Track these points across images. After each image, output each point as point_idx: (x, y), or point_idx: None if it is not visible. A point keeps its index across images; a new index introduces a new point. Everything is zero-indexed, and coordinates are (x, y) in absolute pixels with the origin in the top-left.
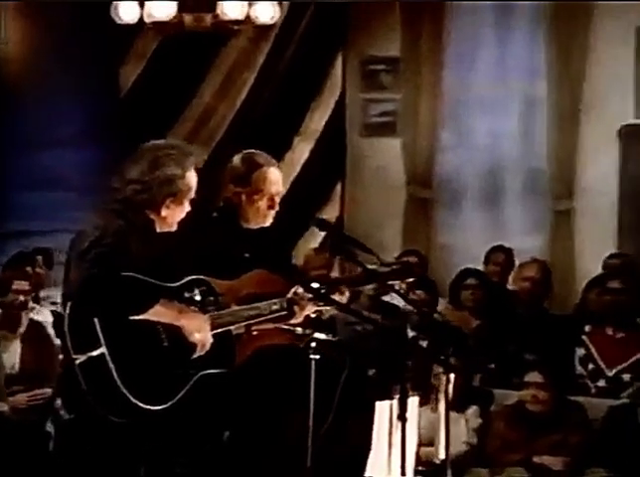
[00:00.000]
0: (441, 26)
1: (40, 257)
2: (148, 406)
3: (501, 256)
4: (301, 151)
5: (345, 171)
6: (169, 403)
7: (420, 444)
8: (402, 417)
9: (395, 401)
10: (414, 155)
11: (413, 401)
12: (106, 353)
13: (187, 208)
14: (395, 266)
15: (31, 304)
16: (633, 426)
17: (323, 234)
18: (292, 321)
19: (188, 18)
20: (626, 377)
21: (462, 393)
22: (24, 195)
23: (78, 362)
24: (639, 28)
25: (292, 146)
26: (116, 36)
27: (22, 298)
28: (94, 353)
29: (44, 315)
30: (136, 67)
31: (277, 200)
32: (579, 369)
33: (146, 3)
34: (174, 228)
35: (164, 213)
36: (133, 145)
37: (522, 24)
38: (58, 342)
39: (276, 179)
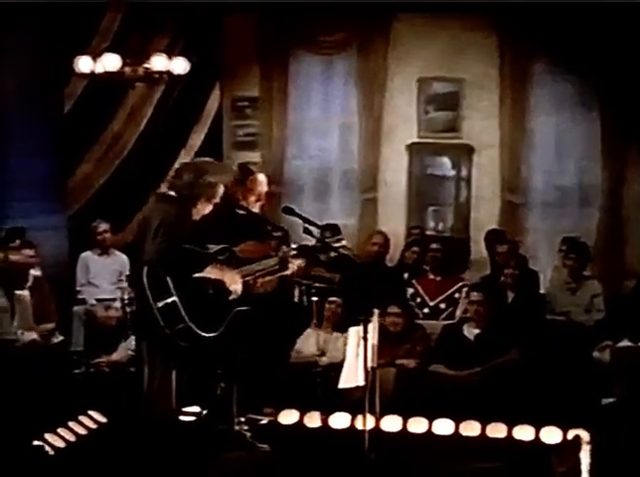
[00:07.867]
0: (287, 76)
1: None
2: (205, 334)
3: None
4: (185, 160)
5: None
6: (218, 332)
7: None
8: (365, 338)
9: (360, 327)
10: (269, 163)
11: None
12: (177, 300)
13: (210, 207)
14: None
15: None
16: (459, 337)
17: None
18: (285, 273)
19: (127, 69)
20: (442, 305)
21: (342, 320)
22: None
23: (157, 306)
24: (419, 79)
25: (179, 157)
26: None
27: (32, 260)
28: (169, 300)
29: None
30: (68, 104)
31: (263, 196)
32: (410, 302)
33: (100, 58)
34: (199, 217)
35: (199, 206)
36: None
37: (340, 77)
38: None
39: (263, 181)
